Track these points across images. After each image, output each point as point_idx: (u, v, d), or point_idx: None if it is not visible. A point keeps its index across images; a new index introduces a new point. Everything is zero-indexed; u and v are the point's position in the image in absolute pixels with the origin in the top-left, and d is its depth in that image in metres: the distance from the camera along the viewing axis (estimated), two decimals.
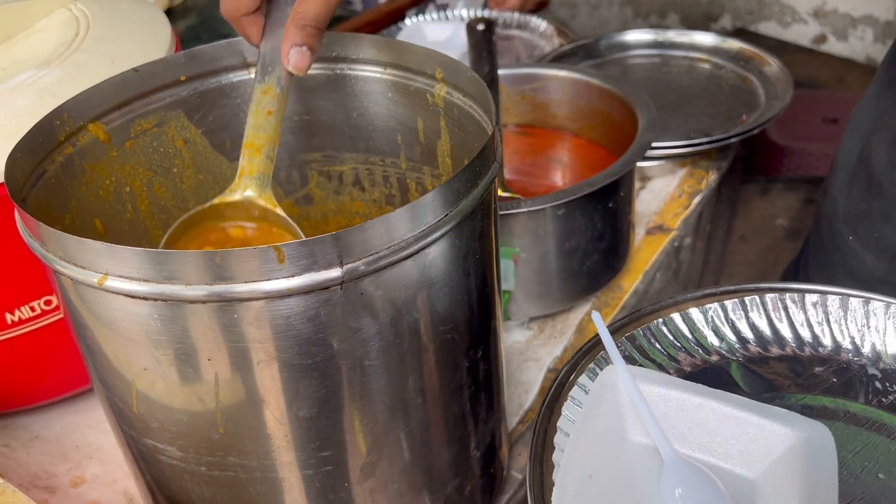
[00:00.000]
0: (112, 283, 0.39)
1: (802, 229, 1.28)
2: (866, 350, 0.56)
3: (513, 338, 0.75)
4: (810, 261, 0.87)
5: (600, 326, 0.53)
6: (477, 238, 0.47)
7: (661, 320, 0.58)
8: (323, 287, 0.39)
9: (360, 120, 0.64)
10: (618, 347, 0.53)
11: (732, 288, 0.61)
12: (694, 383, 0.51)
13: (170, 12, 1.47)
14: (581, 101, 0.86)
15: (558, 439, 0.52)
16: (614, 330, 0.59)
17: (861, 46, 2.61)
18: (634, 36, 1.09)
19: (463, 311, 0.47)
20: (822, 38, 2.66)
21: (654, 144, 0.85)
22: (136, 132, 0.59)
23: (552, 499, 0.47)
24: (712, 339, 0.58)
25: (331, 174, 0.67)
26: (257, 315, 0.40)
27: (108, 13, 0.72)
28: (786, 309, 0.58)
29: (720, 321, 0.58)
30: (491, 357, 0.53)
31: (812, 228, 0.88)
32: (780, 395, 0.55)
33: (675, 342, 0.57)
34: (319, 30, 0.52)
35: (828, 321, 0.57)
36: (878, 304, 0.57)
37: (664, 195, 0.91)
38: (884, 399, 0.54)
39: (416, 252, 0.41)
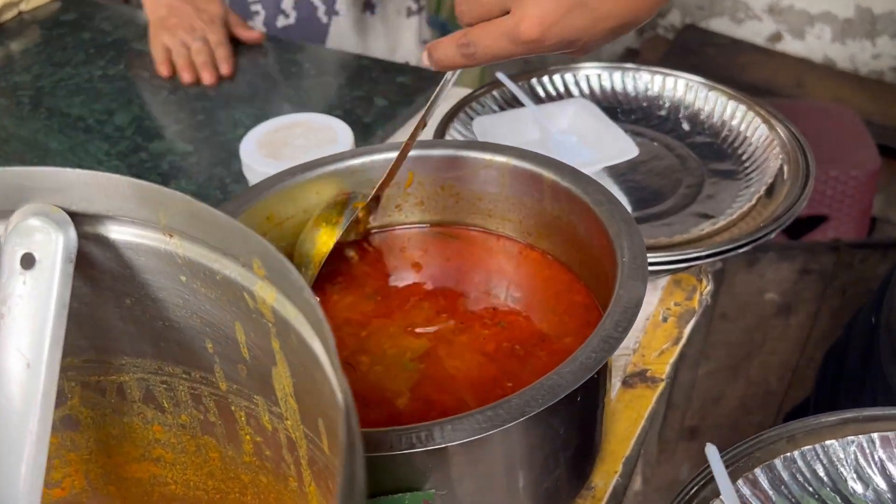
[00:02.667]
0: None
1: (797, 304, 1.04)
2: None
3: None
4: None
5: (715, 463, 0.46)
6: None
7: (789, 455, 0.48)
8: None
9: (139, 311, 0.36)
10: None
11: (883, 412, 0.49)
12: None
13: None
14: (528, 199, 0.58)
15: None
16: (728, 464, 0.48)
17: (819, 45, 2.40)
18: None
19: None
20: (777, 37, 2.45)
21: None
22: None
23: None
24: (854, 485, 0.48)
25: (103, 386, 0.39)
26: None
27: None
28: None
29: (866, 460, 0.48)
30: None
31: None
32: None
33: (808, 486, 0.47)
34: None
35: None
36: None
37: (643, 320, 0.65)
38: None
39: None
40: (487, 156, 0.59)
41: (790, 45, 2.44)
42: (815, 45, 2.42)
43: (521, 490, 0.46)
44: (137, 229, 0.33)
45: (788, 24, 2.42)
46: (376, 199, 0.59)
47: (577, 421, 0.46)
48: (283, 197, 0.58)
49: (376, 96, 0.93)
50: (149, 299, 0.35)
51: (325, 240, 0.53)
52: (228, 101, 0.94)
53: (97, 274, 0.34)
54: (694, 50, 2.52)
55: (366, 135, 0.86)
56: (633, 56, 2.64)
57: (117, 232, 0.33)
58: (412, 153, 0.61)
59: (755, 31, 2.47)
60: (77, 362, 0.38)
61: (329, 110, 0.91)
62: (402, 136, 0.90)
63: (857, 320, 0.82)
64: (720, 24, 2.52)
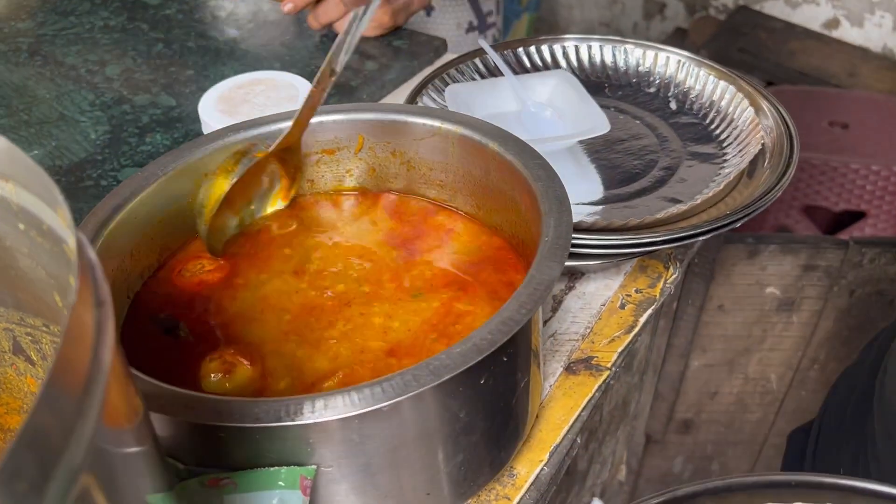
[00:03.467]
0: None
1: (800, 301, 0.99)
2: None
3: None
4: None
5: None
6: None
7: None
8: None
9: None
10: None
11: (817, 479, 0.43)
12: None
13: None
14: (476, 170, 0.56)
15: None
16: None
17: (878, 34, 2.29)
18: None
19: None
20: (834, 23, 2.35)
21: (583, 241, 0.56)
22: None
23: None
24: None
25: None
26: None
27: None
28: None
29: None
30: None
31: None
32: None
33: None
34: None
35: None
36: None
37: (599, 305, 0.62)
38: None
39: None
40: (436, 123, 0.56)
41: (847, 33, 2.34)
42: (873, 34, 2.31)
43: (418, 472, 0.44)
44: None
45: (847, 10, 2.32)
46: (289, 158, 0.56)
47: (484, 405, 0.44)
48: (224, 153, 0.57)
49: (368, 59, 0.91)
50: None
51: (217, 188, 0.51)
52: (219, 57, 0.93)
53: None
54: (744, 32, 2.43)
55: (350, 99, 0.84)
56: (682, 36, 2.56)
57: None
58: (363, 115, 0.59)
59: (811, 16, 2.37)
60: None
61: (317, 71, 0.89)
62: (387, 101, 0.87)
63: (874, 345, 0.77)
64: (775, 7, 2.43)
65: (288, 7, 0.86)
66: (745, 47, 2.29)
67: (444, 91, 0.72)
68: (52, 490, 0.19)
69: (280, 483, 0.39)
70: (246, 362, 0.48)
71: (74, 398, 0.20)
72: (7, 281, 0.35)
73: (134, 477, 0.27)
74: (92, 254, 0.25)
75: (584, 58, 0.77)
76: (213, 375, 0.47)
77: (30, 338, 0.37)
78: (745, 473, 0.45)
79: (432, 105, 0.71)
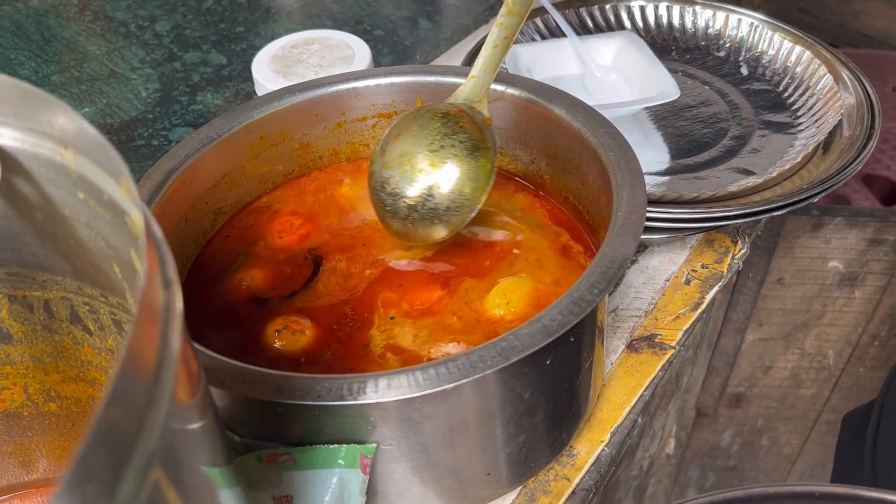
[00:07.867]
0: None
1: (864, 276, 0.95)
2: None
3: None
4: None
5: None
6: None
7: None
8: None
9: (51, 226, 0.33)
10: None
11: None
12: None
13: None
14: (539, 137, 0.53)
15: None
16: None
17: None
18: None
19: None
20: None
21: (651, 214, 0.54)
22: None
23: None
24: None
25: (30, 302, 0.37)
26: None
27: None
28: None
29: None
30: None
31: None
32: None
33: None
34: None
35: None
36: None
37: (663, 280, 0.60)
38: None
39: None
40: (499, 87, 0.54)
41: None
42: None
43: (478, 452, 0.42)
44: (32, 137, 0.30)
45: None
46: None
47: (548, 386, 0.42)
48: (280, 116, 0.55)
49: (422, 17, 0.88)
50: (57, 215, 0.32)
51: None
52: (270, 13, 0.91)
53: (2, 184, 0.32)
54: None
55: (404, 58, 0.82)
56: None
57: (12, 138, 0.30)
58: (422, 78, 0.56)
59: None
60: (1, 274, 0.36)
61: (370, 30, 0.86)
62: (442, 62, 0.85)
63: None
64: None
65: None
66: (806, 7, 2.20)
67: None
68: (125, 484, 0.18)
69: (340, 462, 0.38)
70: (309, 325, 0.47)
71: (145, 388, 0.19)
72: (65, 250, 0.34)
73: (195, 451, 0.26)
74: (158, 230, 0.24)
75: (651, 18, 0.74)
76: (278, 342, 0.46)
77: (87, 307, 0.36)
78: (766, 484, 0.43)
79: None
